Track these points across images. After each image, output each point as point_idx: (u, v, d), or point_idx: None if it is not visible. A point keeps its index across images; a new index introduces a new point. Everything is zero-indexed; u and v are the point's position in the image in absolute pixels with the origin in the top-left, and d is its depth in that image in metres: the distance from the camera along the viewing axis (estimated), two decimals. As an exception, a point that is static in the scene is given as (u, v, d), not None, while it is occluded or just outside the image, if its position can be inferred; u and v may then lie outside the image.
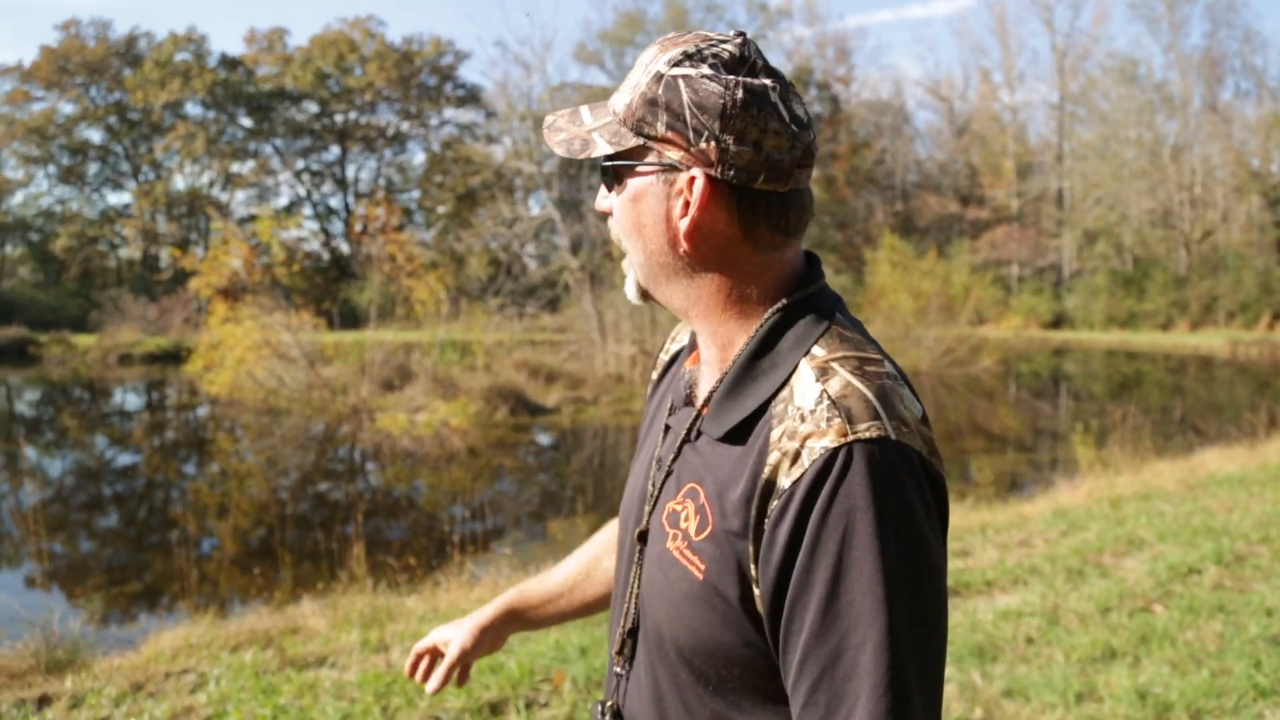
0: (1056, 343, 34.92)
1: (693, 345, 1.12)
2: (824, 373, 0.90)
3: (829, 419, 0.86)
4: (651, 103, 0.94)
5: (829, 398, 0.87)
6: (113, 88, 47.91)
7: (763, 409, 0.93)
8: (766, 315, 0.97)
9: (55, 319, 38.61)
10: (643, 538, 1.03)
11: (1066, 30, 47.71)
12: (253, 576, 7.04)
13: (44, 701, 3.56)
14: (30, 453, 13.98)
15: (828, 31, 49.96)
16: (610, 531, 1.36)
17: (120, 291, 39.22)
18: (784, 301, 0.97)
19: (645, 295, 1.04)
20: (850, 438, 0.84)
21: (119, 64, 47.89)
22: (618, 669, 1.07)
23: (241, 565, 7.70)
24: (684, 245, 0.96)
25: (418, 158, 55.67)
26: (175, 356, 28.20)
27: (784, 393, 0.92)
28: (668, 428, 1.07)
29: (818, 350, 0.93)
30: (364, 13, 66.52)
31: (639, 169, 0.96)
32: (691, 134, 0.91)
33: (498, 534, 8.64)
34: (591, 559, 1.37)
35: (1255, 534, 5.63)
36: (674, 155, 0.93)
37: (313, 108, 50.86)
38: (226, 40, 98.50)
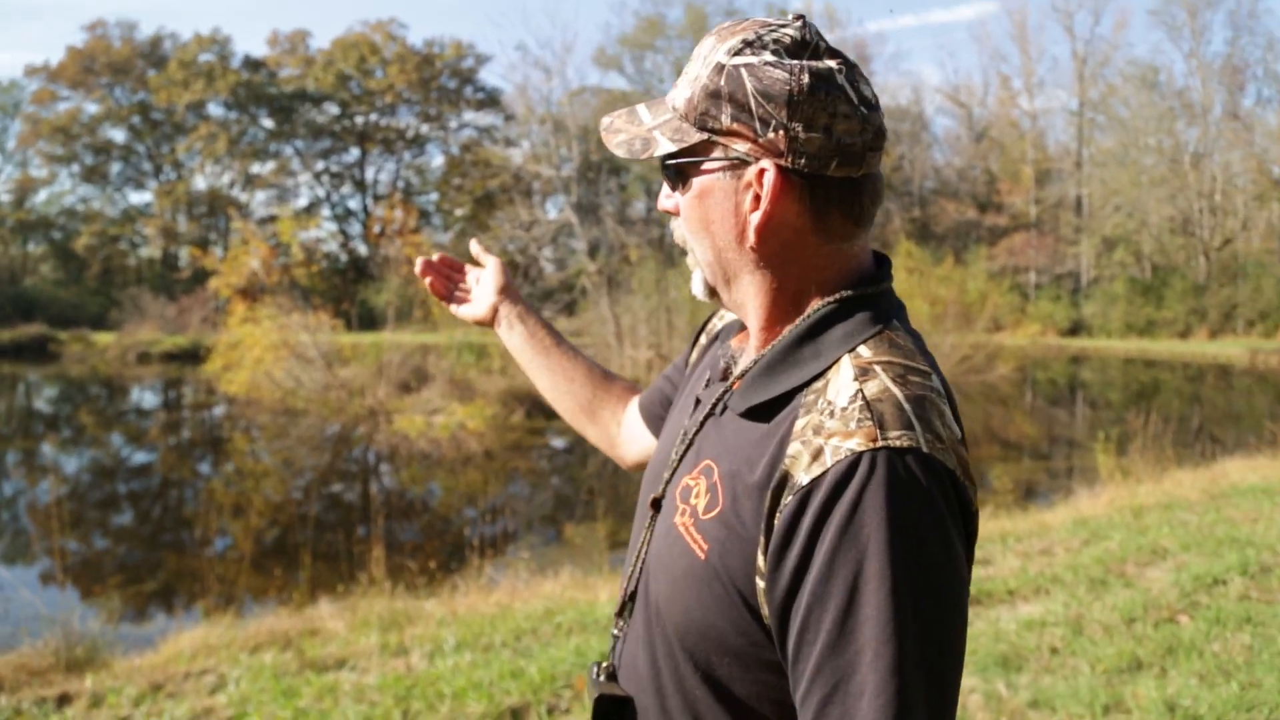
0: (1074, 350, 34.69)
1: (742, 325, 1.11)
2: (865, 373, 0.87)
3: (859, 420, 0.82)
4: (714, 95, 0.91)
5: (863, 398, 0.84)
6: (137, 88, 48.41)
7: (792, 394, 0.91)
8: (820, 304, 0.94)
9: (76, 316, 39.00)
10: (656, 505, 1.03)
11: (1087, 37, 47.45)
12: (269, 577, 7.06)
13: (64, 700, 3.57)
14: (48, 450, 14.09)
15: (848, 36, 49.73)
16: (613, 396, 1.43)
17: (140, 290, 39.62)
18: (842, 294, 0.94)
19: (713, 293, 1.02)
20: (879, 444, 0.81)
21: (144, 65, 48.39)
22: (615, 630, 1.08)
23: (258, 565, 7.72)
24: (752, 240, 0.93)
25: (436, 160, 55.96)
26: (193, 355, 28.41)
27: (818, 384, 0.89)
28: (698, 400, 1.06)
29: (864, 350, 0.90)
30: (386, 15, 66.99)
31: (705, 165, 0.94)
32: (759, 124, 0.89)
33: (514, 537, 8.64)
34: (591, 389, 1.42)
35: (1281, 545, 5.55)
36: (741, 148, 0.91)
37: (333, 109, 51.21)
38: (250, 42, 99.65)
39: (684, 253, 1.04)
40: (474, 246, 1.53)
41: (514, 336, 1.45)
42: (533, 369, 1.46)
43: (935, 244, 40.12)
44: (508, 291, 1.46)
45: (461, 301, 1.51)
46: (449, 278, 1.53)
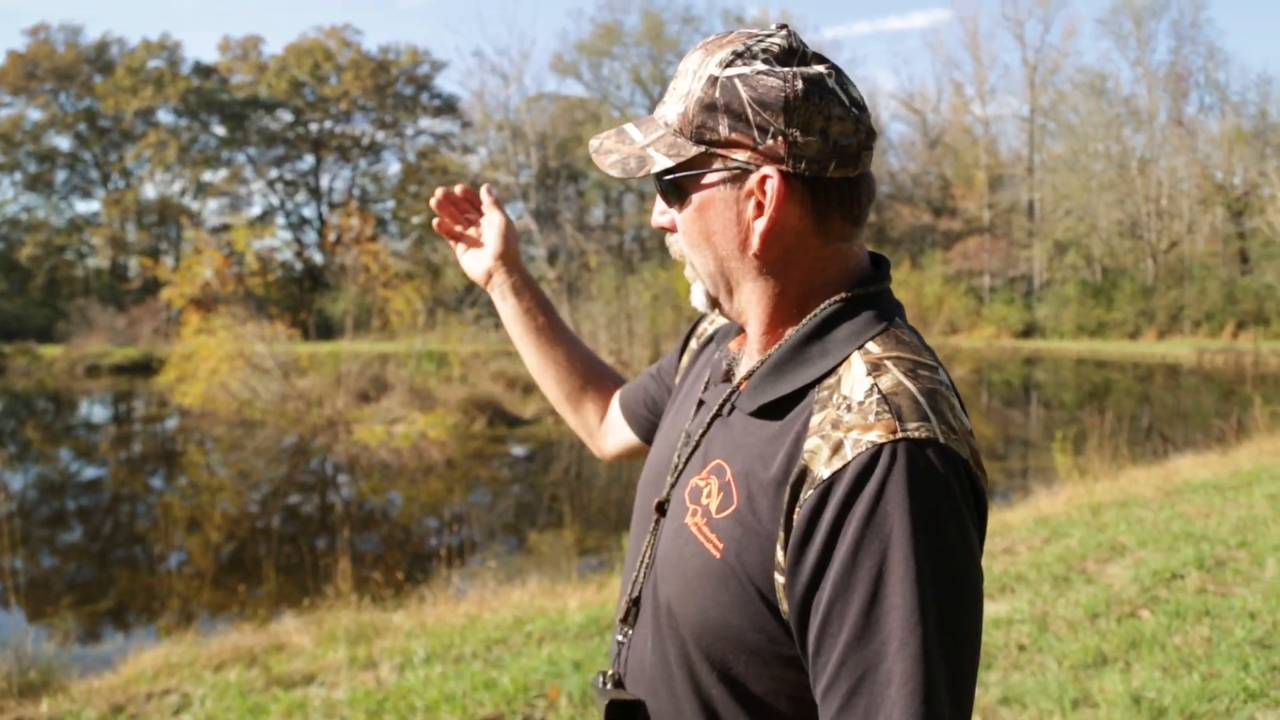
0: (1027, 352, 35.30)
1: (739, 329, 1.11)
2: (877, 368, 0.88)
3: (878, 413, 0.84)
4: (710, 107, 0.91)
5: (880, 392, 0.86)
6: (82, 94, 47.32)
7: (804, 391, 0.92)
8: (824, 304, 0.95)
9: (20, 329, 37.98)
10: (661, 509, 1.03)
11: (1037, 45, 48.40)
12: (230, 592, 6.92)
13: (20, 723, 3.46)
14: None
15: (801, 43, 50.27)
16: (596, 380, 1.42)
17: (88, 301, 38.67)
18: (845, 294, 0.95)
19: (715, 303, 1.02)
20: (899, 435, 0.82)
21: (89, 70, 47.32)
22: (620, 636, 1.07)
23: (217, 581, 7.56)
24: (756, 247, 0.94)
25: (393, 167, 55.57)
26: (145, 367, 27.82)
27: (830, 380, 0.90)
28: (701, 402, 1.06)
29: (873, 346, 0.91)
30: (340, 21, 66.39)
31: (705, 178, 0.94)
32: (757, 132, 0.90)
33: (480, 547, 8.56)
34: (579, 379, 1.41)
35: (1233, 539, 5.68)
36: (741, 157, 0.91)
37: (287, 116, 50.52)
38: (200, 48, 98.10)
39: (682, 265, 1.03)
40: (484, 194, 1.45)
41: (505, 308, 1.42)
42: (521, 346, 1.44)
43: (891, 248, 40.68)
44: (506, 258, 1.41)
45: (472, 245, 1.44)
46: (465, 214, 1.45)
